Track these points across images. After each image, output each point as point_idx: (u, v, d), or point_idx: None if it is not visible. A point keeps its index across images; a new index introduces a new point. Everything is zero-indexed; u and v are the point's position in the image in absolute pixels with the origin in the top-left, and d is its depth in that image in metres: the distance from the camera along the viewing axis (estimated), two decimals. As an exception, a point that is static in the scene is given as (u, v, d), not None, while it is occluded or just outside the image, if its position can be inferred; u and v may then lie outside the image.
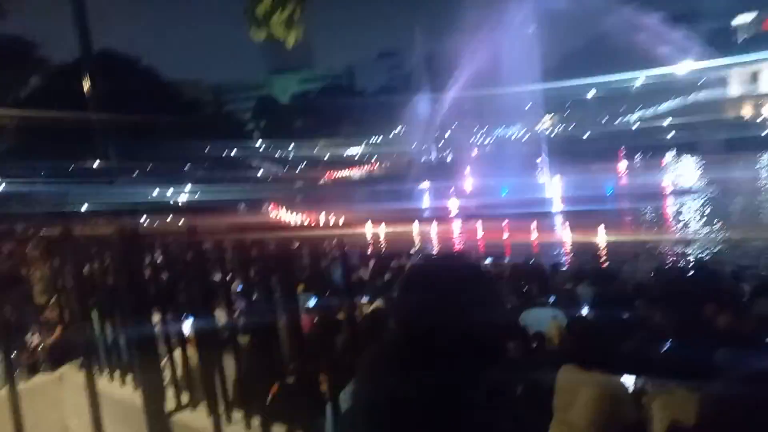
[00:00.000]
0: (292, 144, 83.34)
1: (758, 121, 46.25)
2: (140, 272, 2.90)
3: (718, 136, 38.65)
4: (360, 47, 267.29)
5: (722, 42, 62.70)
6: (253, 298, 2.64)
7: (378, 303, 5.84)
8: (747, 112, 54.12)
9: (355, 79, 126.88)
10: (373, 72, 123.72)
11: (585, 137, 52.68)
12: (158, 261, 2.98)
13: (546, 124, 54.00)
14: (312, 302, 4.72)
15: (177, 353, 2.96)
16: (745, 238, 17.05)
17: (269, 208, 38.91)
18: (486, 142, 73.05)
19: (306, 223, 30.93)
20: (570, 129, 67.51)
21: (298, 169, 75.19)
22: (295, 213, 33.95)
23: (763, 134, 37.75)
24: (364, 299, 6.40)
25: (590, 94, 72.93)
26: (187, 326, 2.91)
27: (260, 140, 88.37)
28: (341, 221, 28.26)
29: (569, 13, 34.83)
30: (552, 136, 52.83)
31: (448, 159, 61.55)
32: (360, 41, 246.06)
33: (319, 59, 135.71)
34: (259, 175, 70.91)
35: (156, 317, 2.98)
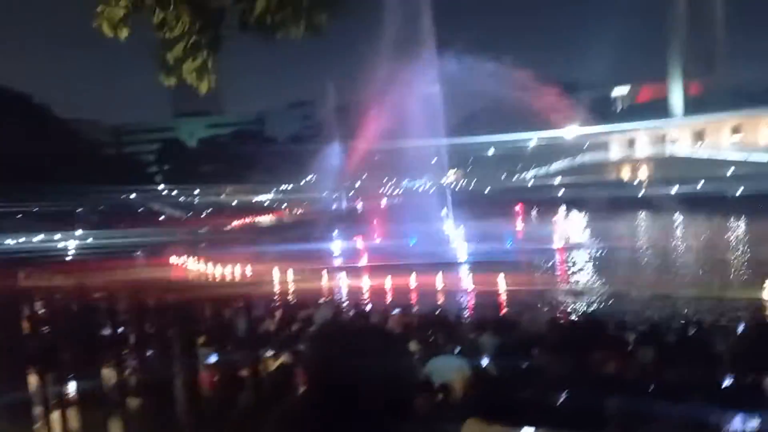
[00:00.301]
0: (198, 189, 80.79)
1: (635, 183, 51.28)
2: (20, 330, 2.63)
3: (602, 195, 42.40)
4: (271, 96, 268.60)
5: (603, 110, 69.90)
6: (148, 355, 2.47)
7: (285, 358, 5.65)
8: (625, 174, 59.91)
9: (266, 127, 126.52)
10: (284, 120, 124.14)
11: (486, 192, 55.69)
12: (41, 316, 2.72)
13: (450, 178, 56.45)
14: (213, 357, 4.48)
15: (59, 417, 2.68)
16: (628, 289, 18.53)
17: (170, 256, 37.05)
18: (395, 193, 74.92)
19: (209, 272, 29.67)
20: (472, 183, 71.11)
21: (204, 215, 72.57)
22: (198, 261, 32.53)
23: (639, 195, 41.80)
24: (270, 353, 6.18)
25: (490, 152, 77.72)
26: (73, 387, 2.65)
27: (164, 184, 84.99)
28: (247, 270, 27.43)
29: (471, 74, 37.30)
30: (456, 189, 55.27)
31: (358, 208, 62.31)
32: (272, 90, 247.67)
33: (229, 104, 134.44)
34: (160, 220, 67.67)
35: (38, 378, 2.69)
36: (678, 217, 36.09)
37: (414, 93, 35.36)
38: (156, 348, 2.53)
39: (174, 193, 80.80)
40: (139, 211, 65.70)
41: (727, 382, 5.67)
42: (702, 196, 35.79)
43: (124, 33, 3.13)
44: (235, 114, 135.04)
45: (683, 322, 11.24)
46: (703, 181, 37.34)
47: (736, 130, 60.90)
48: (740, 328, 9.25)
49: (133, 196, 66.22)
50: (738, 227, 31.82)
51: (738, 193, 35.86)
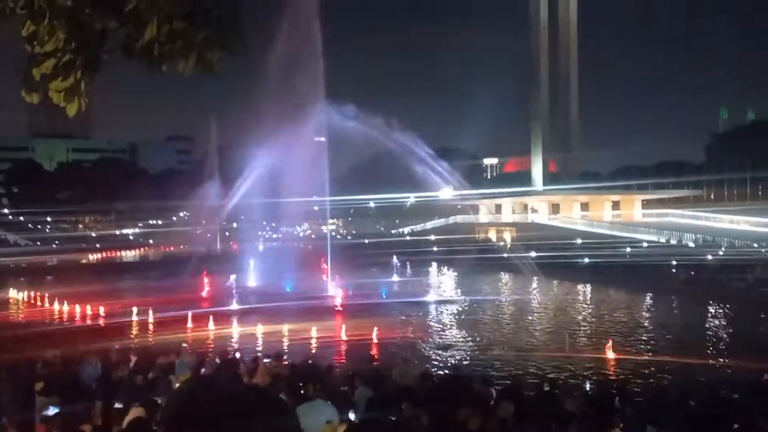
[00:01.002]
0: (52, 217, 73.44)
1: (501, 244, 55.19)
2: None
3: (470, 255, 45.10)
4: (148, 125, 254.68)
5: (475, 177, 75.85)
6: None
7: (138, 411, 5.11)
8: (492, 236, 64.35)
9: (138, 157, 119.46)
10: (160, 153, 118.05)
11: (364, 242, 56.68)
12: None
13: (331, 227, 56.76)
14: (53, 409, 3.89)
15: None
16: (491, 344, 19.53)
17: (10, 289, 32.95)
18: (273, 237, 73.48)
19: (56, 310, 26.61)
20: (352, 233, 72.08)
21: (56, 244, 65.35)
22: (44, 296, 29.15)
23: (504, 256, 44.94)
24: (121, 405, 5.54)
25: (370, 205, 79.93)
26: None
27: (11, 208, 76.39)
28: (100, 310, 24.97)
29: (357, 132, 38.35)
30: (336, 238, 55.59)
31: (233, 250, 59.99)
32: (150, 119, 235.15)
33: (99, 129, 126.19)
34: (2, 247, 60.09)
35: None
36: (535, 279, 39.07)
37: (299, 142, 35.59)
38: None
39: (22, 218, 72.72)
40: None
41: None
42: (555, 262, 39.28)
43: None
44: (103, 140, 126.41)
45: (538, 378, 11.99)
46: (556, 248, 41.22)
47: (584, 205, 68.59)
48: (586, 386, 10.06)
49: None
50: (584, 292, 35.16)
51: (585, 261, 39.86)
